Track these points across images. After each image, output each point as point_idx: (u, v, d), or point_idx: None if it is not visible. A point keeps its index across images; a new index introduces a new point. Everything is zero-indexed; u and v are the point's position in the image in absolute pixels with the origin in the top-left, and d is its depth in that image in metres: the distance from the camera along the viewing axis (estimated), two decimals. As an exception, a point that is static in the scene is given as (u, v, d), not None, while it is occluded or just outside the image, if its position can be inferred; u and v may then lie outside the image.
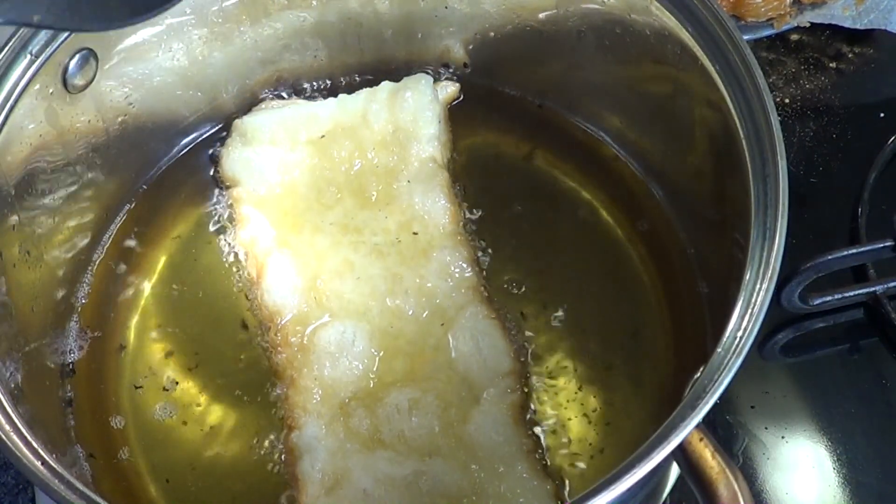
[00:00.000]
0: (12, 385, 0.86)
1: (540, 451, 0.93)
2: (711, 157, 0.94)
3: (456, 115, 1.11)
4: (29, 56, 0.91)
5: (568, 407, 0.96)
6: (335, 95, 1.10)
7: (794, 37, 1.26)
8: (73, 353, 1.00)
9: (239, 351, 1.00)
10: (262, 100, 1.13)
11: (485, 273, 1.02)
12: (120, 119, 1.03)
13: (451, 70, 1.14)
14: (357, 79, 1.14)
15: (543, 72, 1.10)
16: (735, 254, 0.86)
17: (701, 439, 0.74)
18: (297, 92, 1.14)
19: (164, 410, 0.98)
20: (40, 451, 0.77)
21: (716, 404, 0.74)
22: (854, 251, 1.03)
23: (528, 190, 1.08)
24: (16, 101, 0.90)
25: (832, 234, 1.12)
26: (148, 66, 1.03)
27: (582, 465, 0.93)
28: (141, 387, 0.99)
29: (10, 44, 0.90)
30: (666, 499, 0.95)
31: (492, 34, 1.10)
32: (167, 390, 0.99)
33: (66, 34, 0.92)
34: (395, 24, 1.10)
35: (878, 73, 1.24)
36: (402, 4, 1.09)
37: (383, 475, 0.89)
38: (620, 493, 0.71)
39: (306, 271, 1.01)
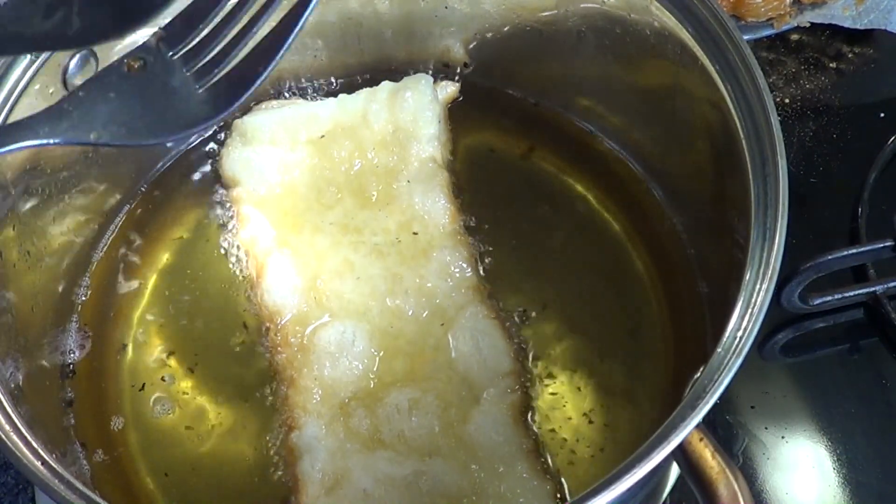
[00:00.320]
0: (12, 385, 0.86)
1: (540, 451, 0.93)
2: (711, 157, 0.94)
3: (456, 115, 1.11)
4: (29, 56, 0.91)
5: (568, 407, 0.96)
6: (335, 95, 1.10)
7: (794, 37, 1.26)
8: (73, 353, 1.00)
9: (239, 351, 1.00)
10: (262, 100, 1.13)
11: (485, 273, 1.02)
12: (120, 119, 1.03)
13: (451, 70, 1.14)
14: (357, 79, 1.14)
15: (543, 71, 1.10)
16: (735, 254, 0.86)
17: (701, 439, 0.74)
18: (297, 92, 1.14)
19: (163, 410, 0.98)
20: (40, 451, 0.77)
21: (716, 404, 0.73)
22: (854, 251, 1.03)
23: (527, 190, 1.08)
24: (16, 101, 0.90)
25: (832, 234, 1.12)
26: (148, 66, 1.03)
27: (582, 465, 0.93)
28: (141, 387, 0.99)
29: (10, 44, 0.90)
30: (666, 499, 0.95)
31: (492, 34, 1.10)
32: (167, 390, 0.99)
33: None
34: (395, 24, 1.10)
35: (878, 73, 1.24)
36: (402, 4, 1.09)
37: (383, 475, 0.89)
38: (620, 493, 0.71)
39: (306, 271, 1.01)
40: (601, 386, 0.97)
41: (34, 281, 0.96)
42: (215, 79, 0.72)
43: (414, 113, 1.06)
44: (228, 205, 1.07)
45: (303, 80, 1.14)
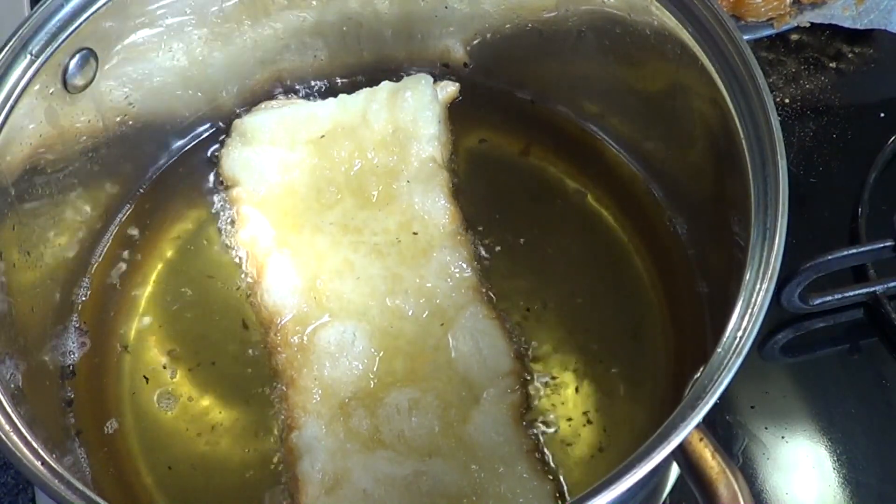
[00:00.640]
0: (12, 385, 0.86)
1: (540, 451, 0.93)
2: (711, 157, 0.94)
3: (456, 115, 1.11)
4: (29, 56, 0.91)
5: (568, 407, 0.96)
6: (335, 95, 1.10)
7: (794, 37, 1.26)
8: (73, 353, 1.00)
9: (239, 351, 1.00)
10: (262, 100, 1.13)
11: (485, 273, 1.02)
12: (120, 119, 1.03)
13: (451, 70, 1.14)
14: (357, 79, 1.14)
15: (543, 72, 1.10)
16: (735, 254, 0.86)
17: (701, 439, 0.74)
18: (297, 92, 1.14)
19: (163, 410, 0.98)
20: (40, 451, 0.77)
21: (716, 404, 0.73)
22: (854, 251, 1.03)
23: (527, 190, 1.08)
24: (16, 101, 0.90)
25: (832, 234, 1.12)
26: (148, 66, 1.03)
27: (582, 465, 0.93)
28: (141, 387, 0.99)
29: (10, 44, 0.90)
30: (666, 499, 0.95)
31: (492, 34, 1.10)
32: (167, 390, 0.99)
33: (66, 33, 0.92)
34: (395, 24, 1.10)
35: (878, 73, 1.24)
36: (402, 4, 1.09)
37: (383, 475, 0.89)
38: (620, 493, 0.71)
39: (306, 271, 1.01)
40: (601, 386, 0.97)
41: (34, 281, 0.96)
42: None
43: (414, 113, 1.06)
44: (228, 205, 1.07)
45: (303, 80, 1.14)
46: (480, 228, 1.05)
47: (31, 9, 0.97)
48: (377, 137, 1.06)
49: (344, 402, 0.94)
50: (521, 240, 1.05)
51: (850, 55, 1.25)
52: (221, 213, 1.08)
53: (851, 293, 1.06)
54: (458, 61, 1.13)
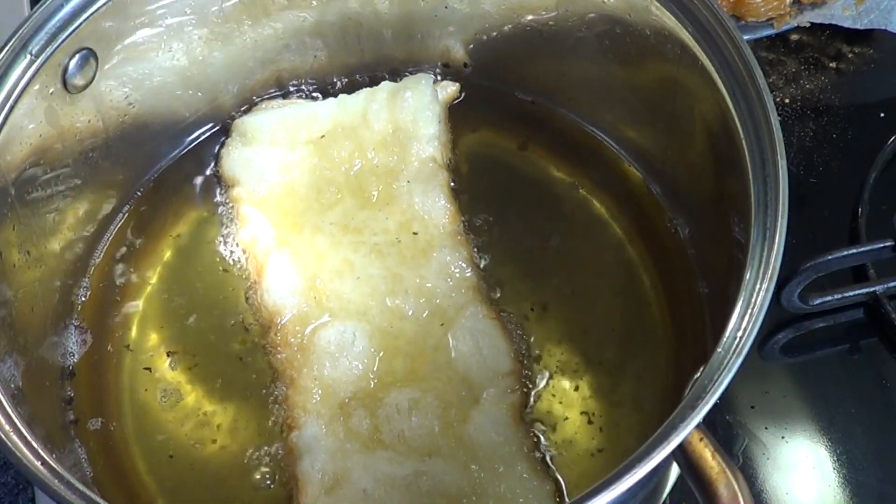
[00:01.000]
0: (12, 385, 0.86)
1: (540, 451, 0.93)
2: (711, 157, 0.94)
3: (456, 115, 1.11)
4: (29, 56, 0.91)
5: (568, 407, 0.96)
6: (335, 95, 1.10)
7: (794, 37, 1.26)
8: (73, 353, 1.00)
9: (239, 351, 1.00)
10: (262, 100, 1.13)
11: (485, 273, 1.02)
12: (120, 119, 1.03)
13: (451, 70, 1.14)
14: (357, 79, 1.14)
15: (543, 72, 1.10)
16: (735, 254, 0.86)
17: (701, 439, 0.74)
18: (297, 92, 1.14)
19: (163, 410, 0.98)
20: (40, 451, 0.77)
21: (716, 404, 0.73)
22: (854, 251, 1.03)
23: (527, 190, 1.08)
24: (16, 101, 0.90)
25: (832, 234, 1.12)
26: (148, 66, 1.03)
27: (582, 465, 0.93)
28: (141, 386, 0.99)
29: (10, 44, 0.90)
30: (666, 499, 0.95)
31: (492, 34, 1.10)
32: (167, 390, 0.99)
33: (66, 33, 0.92)
34: (395, 24, 1.10)
35: (878, 73, 1.24)
36: (402, 4, 1.09)
37: (383, 475, 0.89)
38: (620, 493, 0.71)
39: (306, 271, 1.01)
40: (601, 386, 0.97)
41: (34, 281, 0.96)
42: None
43: (414, 113, 1.06)
44: (228, 205, 1.07)
45: (303, 80, 1.14)
46: (480, 228, 1.05)
47: (31, 9, 0.97)
48: (377, 137, 1.06)
49: (344, 401, 0.94)
50: (521, 240, 1.05)
51: (850, 55, 1.25)
52: (221, 213, 1.08)
53: (851, 293, 1.06)
54: (458, 61, 1.13)
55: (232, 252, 1.05)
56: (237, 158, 1.07)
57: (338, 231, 1.03)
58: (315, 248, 1.02)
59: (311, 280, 1.00)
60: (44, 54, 0.91)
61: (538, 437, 0.93)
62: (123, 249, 1.06)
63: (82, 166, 1.01)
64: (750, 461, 1.00)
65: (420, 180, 1.04)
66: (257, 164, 1.06)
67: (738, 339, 0.76)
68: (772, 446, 1.01)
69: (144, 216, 1.08)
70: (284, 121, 1.07)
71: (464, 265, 1.00)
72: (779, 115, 0.89)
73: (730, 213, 0.89)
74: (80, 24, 0.93)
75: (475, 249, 1.03)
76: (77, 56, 0.94)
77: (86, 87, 0.97)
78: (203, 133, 1.12)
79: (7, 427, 0.78)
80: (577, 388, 0.96)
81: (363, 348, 0.96)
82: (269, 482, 0.93)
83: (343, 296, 0.99)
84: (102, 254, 1.06)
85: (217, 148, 1.11)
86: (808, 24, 1.22)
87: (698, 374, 0.76)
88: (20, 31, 0.91)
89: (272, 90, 1.14)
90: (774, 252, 0.79)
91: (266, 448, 0.95)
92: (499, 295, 1.01)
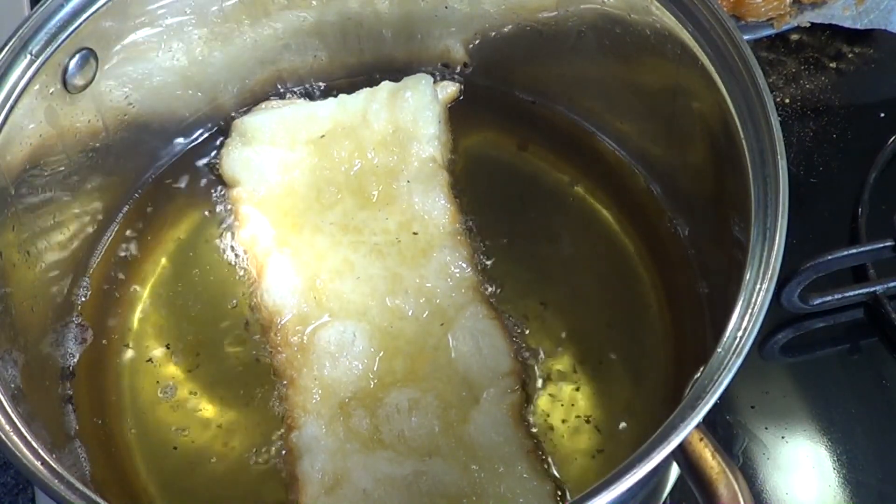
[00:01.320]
0: (12, 385, 0.86)
1: (540, 451, 0.93)
2: (711, 157, 0.94)
3: (456, 115, 1.11)
4: (29, 56, 0.91)
5: (568, 407, 0.96)
6: (335, 95, 1.10)
7: (794, 37, 1.26)
8: (73, 353, 1.00)
9: (239, 351, 1.00)
10: (262, 100, 1.13)
11: (485, 273, 1.02)
12: (120, 119, 1.03)
13: (451, 70, 1.14)
14: (357, 79, 1.14)
15: (543, 71, 1.10)
16: (735, 254, 0.86)
17: (701, 439, 0.74)
18: (298, 92, 1.14)
19: (163, 410, 0.98)
20: (40, 451, 0.77)
21: (716, 404, 0.73)
22: (854, 251, 1.03)
23: (527, 190, 1.08)
24: (16, 101, 0.90)
25: (832, 234, 1.12)
26: (148, 66, 1.03)
27: (582, 465, 0.93)
28: (140, 386, 0.99)
29: (10, 44, 0.90)
30: (666, 499, 0.95)
31: (492, 34, 1.10)
32: (167, 390, 0.99)
33: (66, 33, 0.92)
34: (395, 24, 1.10)
35: (878, 73, 1.24)
36: (402, 4, 1.09)
37: (383, 475, 0.89)
38: (620, 493, 0.71)
39: (306, 271, 1.01)
40: (601, 386, 0.97)
41: (34, 281, 0.96)
42: None
43: (414, 113, 1.06)
44: (228, 205, 1.07)
45: (303, 80, 1.14)
46: (480, 228, 1.05)
47: (31, 9, 0.97)
48: (377, 137, 1.06)
49: (344, 401, 0.94)
50: (521, 240, 1.05)
51: (850, 55, 1.25)
52: (221, 214, 1.08)
53: (851, 293, 1.06)
54: (458, 61, 1.13)
55: (232, 252, 1.05)
56: (237, 158, 1.07)
57: (338, 231, 1.03)
58: (315, 247, 1.02)
59: (311, 280, 1.00)
60: (44, 54, 0.91)
61: (538, 438, 0.93)
62: (124, 249, 1.06)
63: (82, 166, 1.01)
64: (750, 461, 1.00)
65: (420, 180, 1.04)
66: (257, 164, 1.06)
67: (738, 339, 0.76)
68: (772, 446, 1.01)
69: (144, 216, 1.08)
70: (284, 121, 1.07)
71: (464, 265, 1.00)
72: (779, 115, 0.89)
73: (730, 213, 0.89)
74: (80, 24, 0.93)
75: (475, 249, 1.03)
76: (77, 56, 0.94)
77: (86, 87, 0.97)
78: (203, 133, 1.12)
79: (7, 427, 0.78)
80: (577, 388, 0.96)
81: (363, 348, 0.96)
82: (268, 482, 0.93)
83: (343, 296, 0.99)
84: (102, 254, 1.06)
85: (217, 148, 1.11)
86: (808, 24, 1.22)
87: (698, 374, 0.76)
88: (20, 31, 0.91)
89: (272, 90, 1.14)
90: (774, 252, 0.79)
91: (266, 448, 0.95)
92: (499, 295, 1.01)
